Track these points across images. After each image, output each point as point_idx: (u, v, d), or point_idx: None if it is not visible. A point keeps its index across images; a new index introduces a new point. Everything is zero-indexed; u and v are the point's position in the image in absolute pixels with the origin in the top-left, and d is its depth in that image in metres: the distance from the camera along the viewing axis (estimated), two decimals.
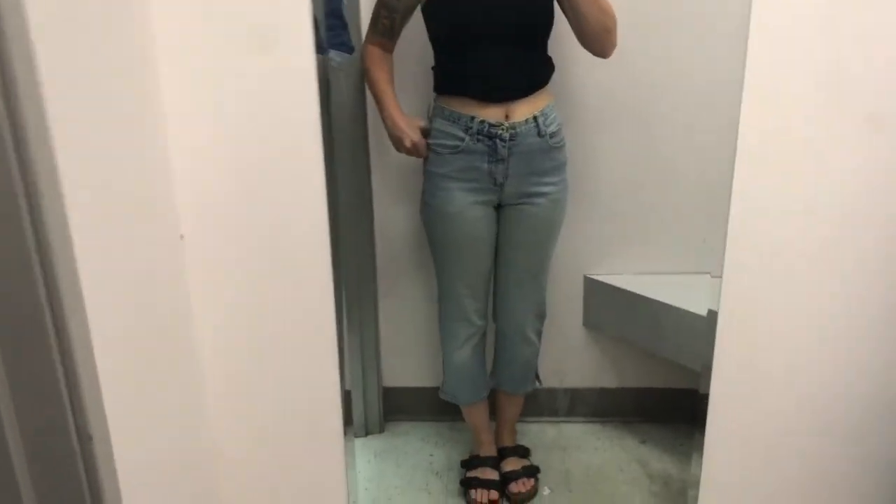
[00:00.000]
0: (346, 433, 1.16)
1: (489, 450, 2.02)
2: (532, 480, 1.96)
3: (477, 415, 2.00)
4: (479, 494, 1.92)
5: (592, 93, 1.93)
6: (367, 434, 2.21)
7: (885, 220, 1.01)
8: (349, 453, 1.19)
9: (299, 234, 1.04)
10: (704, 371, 1.09)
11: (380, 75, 1.70)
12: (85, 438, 0.71)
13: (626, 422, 2.24)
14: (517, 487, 1.93)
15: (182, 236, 1.00)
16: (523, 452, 2.06)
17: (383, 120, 1.71)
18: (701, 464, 1.13)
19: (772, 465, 1.14)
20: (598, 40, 1.59)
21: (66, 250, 0.70)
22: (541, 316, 1.88)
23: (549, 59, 1.69)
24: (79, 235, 0.72)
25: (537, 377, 2.00)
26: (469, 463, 2.02)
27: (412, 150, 1.70)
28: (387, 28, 1.68)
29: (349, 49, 1.57)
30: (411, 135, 1.68)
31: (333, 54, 1.55)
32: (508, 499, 1.93)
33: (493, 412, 2.06)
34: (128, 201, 0.87)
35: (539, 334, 1.90)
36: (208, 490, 1.15)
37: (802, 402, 1.11)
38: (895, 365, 1.08)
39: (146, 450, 0.93)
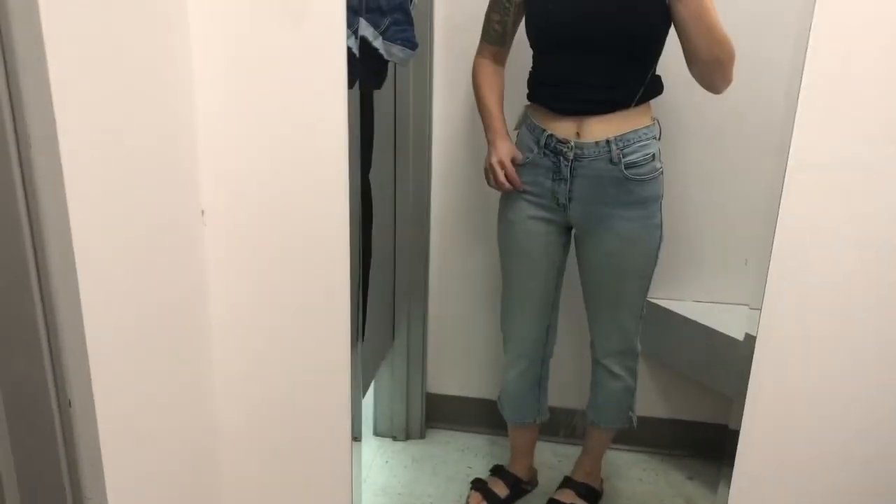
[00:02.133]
0: (354, 432, 1.14)
1: (518, 469, 1.96)
2: None
3: (519, 436, 1.94)
4: (473, 498, 1.88)
5: (682, 111, 1.85)
6: (407, 438, 2.20)
7: None
8: (356, 454, 1.17)
9: (319, 219, 1.03)
10: (737, 399, 1.02)
11: (490, 97, 1.62)
12: (64, 403, 0.71)
13: (672, 455, 2.14)
14: None
15: (203, 212, 1.01)
16: (587, 492, 1.90)
17: (488, 143, 1.62)
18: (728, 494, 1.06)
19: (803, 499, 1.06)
20: (707, 73, 1.46)
21: (57, 207, 0.70)
22: (629, 352, 1.74)
23: (652, 77, 1.53)
24: (77, 196, 0.73)
25: (631, 416, 1.83)
26: (494, 470, 1.97)
27: (500, 185, 1.61)
28: (499, 35, 1.62)
29: (413, 45, 1.56)
30: (506, 166, 1.58)
31: (396, 49, 1.54)
32: None
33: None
34: (148, 169, 0.89)
35: (629, 370, 1.76)
36: (206, 465, 1.15)
37: (837, 437, 1.03)
38: None
39: (143, 425, 0.93)
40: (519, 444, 1.95)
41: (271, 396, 1.14)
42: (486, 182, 1.67)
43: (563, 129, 1.55)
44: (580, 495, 1.89)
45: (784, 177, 0.94)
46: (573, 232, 1.68)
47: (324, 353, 1.11)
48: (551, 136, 1.56)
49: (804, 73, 0.91)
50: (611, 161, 1.53)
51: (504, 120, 1.63)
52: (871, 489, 1.04)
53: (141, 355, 0.90)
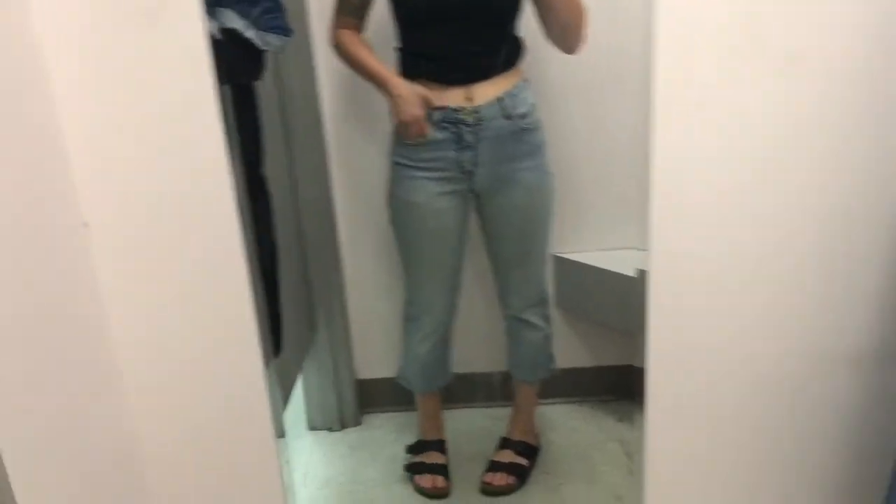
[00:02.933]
0: (277, 430, 1.13)
1: (435, 434, 1.98)
2: (512, 478, 1.87)
3: (427, 402, 1.97)
4: (424, 480, 1.88)
5: (553, 68, 1.89)
6: (342, 427, 2.19)
7: (807, 159, 0.98)
8: (281, 452, 1.15)
9: (205, 214, 1.00)
10: (640, 336, 1.06)
11: (363, 52, 1.60)
12: None
13: (602, 401, 2.21)
14: (490, 478, 1.88)
15: (86, 224, 0.97)
16: (525, 449, 1.94)
17: (388, 92, 1.57)
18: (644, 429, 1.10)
19: (713, 423, 1.11)
20: (563, 35, 1.52)
21: None
22: (542, 301, 1.82)
23: (518, 39, 1.61)
24: None
25: (551, 364, 1.92)
26: (414, 448, 1.98)
27: (417, 123, 1.56)
28: (356, 7, 1.62)
29: (287, 31, 1.53)
30: (413, 103, 1.54)
31: (272, 38, 1.51)
32: (481, 489, 1.88)
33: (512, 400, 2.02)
34: (17, 185, 0.85)
35: (545, 318, 1.84)
36: (131, 483, 1.12)
37: (738, 355, 1.08)
38: (830, 308, 1.04)
39: (48, 450, 0.90)
40: (431, 409, 1.98)
41: (189, 410, 1.12)
42: (394, 141, 1.66)
43: (454, 98, 1.57)
44: (519, 453, 1.93)
45: (653, 115, 0.97)
46: (476, 197, 1.70)
47: (236, 358, 1.09)
48: (445, 107, 1.57)
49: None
50: (506, 116, 1.58)
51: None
52: (775, 399, 1.10)
53: (36, 381, 0.87)
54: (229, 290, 1.04)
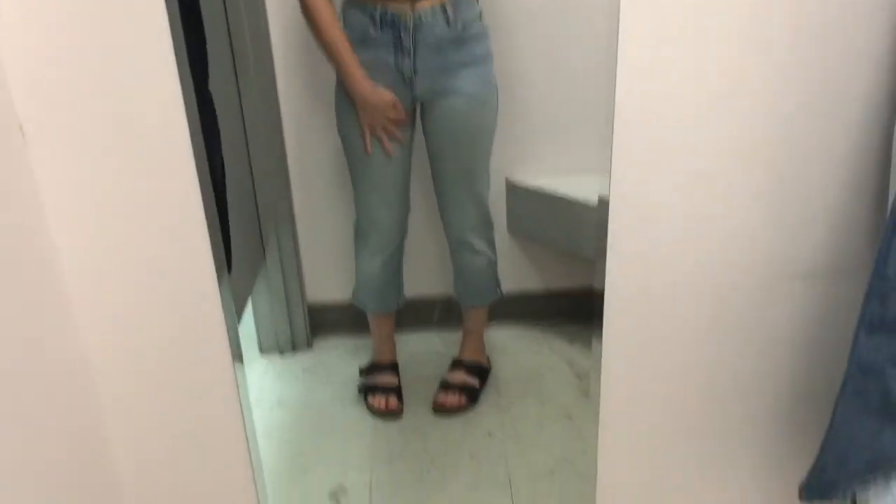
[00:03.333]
0: (235, 355, 1.11)
1: (388, 356, 2.00)
2: (462, 398, 1.90)
3: (381, 324, 1.98)
4: (377, 401, 1.90)
5: None
6: (294, 350, 2.19)
7: (764, 81, 0.98)
8: (241, 377, 1.14)
9: (158, 139, 0.96)
10: (599, 260, 1.07)
11: (333, 31, 1.57)
12: None
13: (554, 324, 2.25)
14: (441, 398, 1.91)
15: (21, 127, 0.91)
16: (476, 369, 1.98)
17: (348, 87, 1.61)
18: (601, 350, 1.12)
19: (669, 344, 1.14)
20: None
21: None
22: (486, 223, 1.81)
23: None
24: None
25: (497, 288, 1.94)
26: (368, 370, 1.99)
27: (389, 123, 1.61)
28: None
29: None
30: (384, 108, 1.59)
31: None
32: (433, 408, 1.91)
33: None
34: None
35: (489, 242, 1.84)
36: (86, 409, 1.10)
37: (695, 276, 1.10)
38: (786, 227, 1.07)
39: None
40: (384, 331, 1.99)
41: (143, 334, 1.09)
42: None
43: (396, 5, 1.55)
44: (470, 373, 1.96)
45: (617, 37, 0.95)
46: (418, 110, 1.68)
47: (188, 281, 1.06)
48: (386, 10, 1.55)
49: None
50: (448, 23, 1.56)
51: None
52: (732, 318, 1.13)
53: None
54: (180, 202, 1.00)
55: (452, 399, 1.91)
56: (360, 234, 1.82)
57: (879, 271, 0.91)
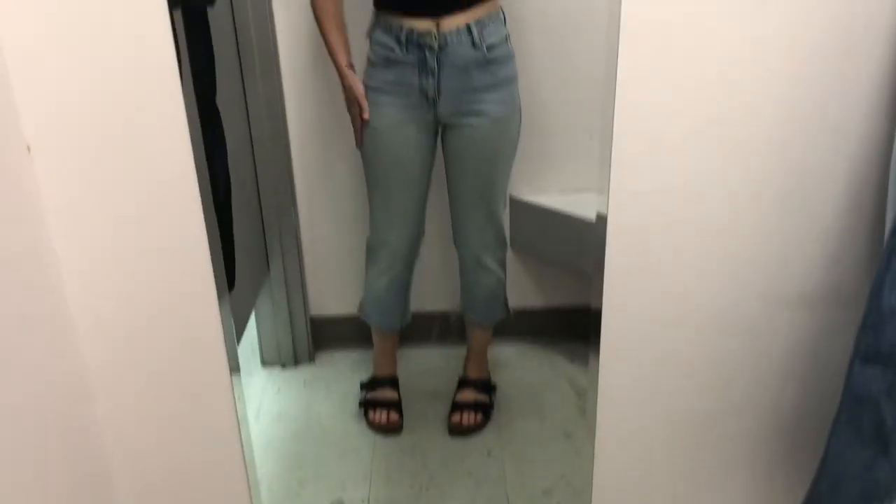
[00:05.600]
0: (231, 365, 1.12)
1: (389, 371, 1.99)
2: (478, 416, 1.90)
3: (384, 339, 1.97)
4: (377, 415, 1.90)
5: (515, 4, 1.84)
6: (296, 364, 2.19)
7: (764, 105, 0.98)
8: (238, 390, 1.15)
9: (158, 143, 0.96)
10: (596, 278, 1.07)
11: (332, 27, 1.60)
12: None
13: (554, 342, 2.24)
14: (457, 418, 1.90)
15: (29, 148, 0.93)
16: (484, 387, 1.97)
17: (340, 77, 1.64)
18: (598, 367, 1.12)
19: (666, 364, 1.14)
20: None
21: None
22: (500, 243, 1.81)
23: None
24: None
25: (505, 307, 1.93)
26: (369, 384, 1.99)
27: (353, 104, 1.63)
28: None
29: None
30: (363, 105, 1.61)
31: None
32: (450, 429, 1.90)
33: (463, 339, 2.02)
34: None
35: (501, 262, 1.83)
36: (85, 424, 1.11)
37: (695, 301, 1.10)
38: (783, 251, 1.07)
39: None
40: (387, 347, 1.98)
41: (141, 344, 1.10)
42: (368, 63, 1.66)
43: (422, 24, 1.54)
44: (480, 390, 1.96)
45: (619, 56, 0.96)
46: (440, 130, 1.68)
47: (189, 296, 1.07)
48: (412, 30, 1.54)
49: None
50: (473, 45, 1.55)
51: (347, 51, 1.63)
52: (728, 340, 1.13)
53: None
54: (183, 222, 1.01)
55: (468, 418, 1.90)
56: (371, 251, 1.81)
57: (874, 302, 0.91)
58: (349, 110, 1.67)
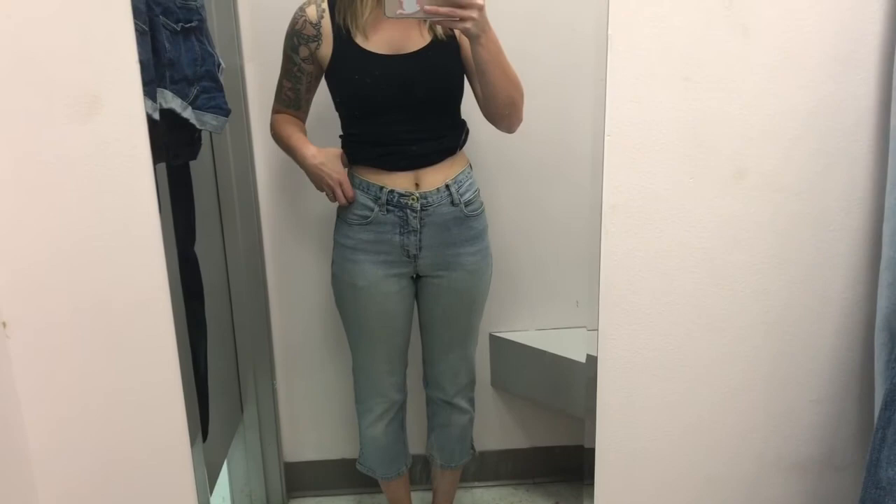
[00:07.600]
0: None
1: None
2: None
3: (395, 489, 1.88)
4: None
5: (492, 148, 1.90)
6: None
7: (752, 267, 1.02)
8: None
9: (136, 298, 0.97)
10: (588, 418, 1.06)
11: (289, 129, 1.60)
12: None
13: (536, 483, 2.19)
14: None
15: (4, 324, 0.92)
16: None
17: (301, 163, 1.60)
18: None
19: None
20: (505, 115, 1.51)
21: None
22: (472, 383, 1.79)
23: (462, 122, 1.61)
24: None
25: (472, 447, 1.88)
26: None
27: (336, 187, 1.57)
28: (292, 100, 1.60)
29: (225, 111, 1.52)
30: (332, 168, 1.56)
31: (209, 117, 1.50)
32: None
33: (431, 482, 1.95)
34: None
35: (471, 401, 1.80)
36: None
37: (687, 457, 1.10)
38: (777, 415, 1.09)
39: None
40: (399, 496, 1.89)
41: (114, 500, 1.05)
42: (338, 221, 1.65)
43: (402, 182, 1.56)
44: None
45: (601, 204, 1.00)
46: (419, 279, 1.68)
47: (162, 446, 1.04)
48: (392, 191, 1.55)
49: (606, 121, 0.98)
50: (452, 203, 1.58)
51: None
52: (724, 501, 1.12)
53: None
54: (158, 378, 1.00)
55: None
56: (362, 400, 1.76)
57: (872, 477, 0.89)
58: (327, 191, 1.61)
